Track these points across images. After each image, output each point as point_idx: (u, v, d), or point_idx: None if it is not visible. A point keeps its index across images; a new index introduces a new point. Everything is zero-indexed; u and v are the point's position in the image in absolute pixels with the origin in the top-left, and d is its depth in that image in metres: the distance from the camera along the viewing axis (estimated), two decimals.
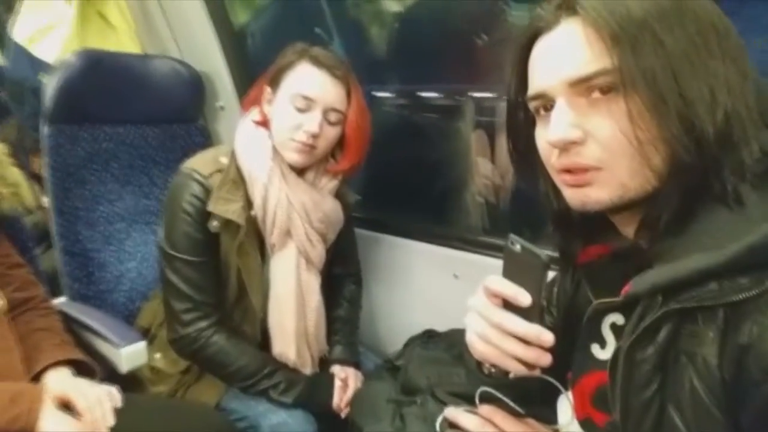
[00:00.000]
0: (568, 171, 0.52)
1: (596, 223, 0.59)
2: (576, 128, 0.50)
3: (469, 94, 1.46)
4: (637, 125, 0.47)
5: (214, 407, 1.05)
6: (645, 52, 0.46)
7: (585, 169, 0.50)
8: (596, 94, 0.49)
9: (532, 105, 0.56)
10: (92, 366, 0.96)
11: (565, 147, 0.50)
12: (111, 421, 0.86)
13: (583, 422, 0.59)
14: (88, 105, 1.29)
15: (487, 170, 1.46)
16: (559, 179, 0.55)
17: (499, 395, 0.69)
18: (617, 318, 0.55)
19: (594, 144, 0.49)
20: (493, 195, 1.44)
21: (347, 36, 1.66)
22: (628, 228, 0.55)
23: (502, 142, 1.44)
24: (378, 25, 1.63)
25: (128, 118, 1.38)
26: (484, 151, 1.46)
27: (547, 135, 0.52)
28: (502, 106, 1.42)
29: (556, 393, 0.70)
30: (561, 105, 0.51)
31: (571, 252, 0.63)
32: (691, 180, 0.47)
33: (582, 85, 0.49)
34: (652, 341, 0.46)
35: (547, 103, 0.53)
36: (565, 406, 0.67)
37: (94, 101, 1.30)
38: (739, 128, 0.46)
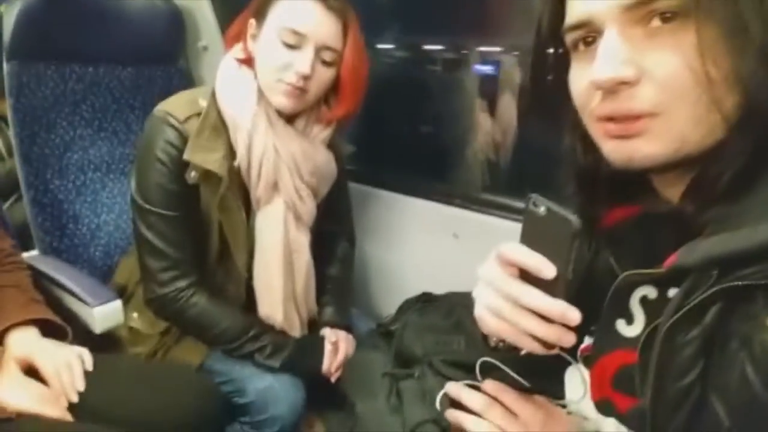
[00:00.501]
0: (611, 119, 0.44)
1: (629, 181, 0.51)
2: (629, 65, 0.41)
3: (474, 48, 1.38)
4: (709, 58, 0.39)
5: (196, 369, 1.00)
6: None
7: (637, 117, 0.42)
8: (656, 23, 0.41)
9: (570, 37, 0.47)
10: (63, 326, 0.89)
11: (613, 89, 0.42)
12: (80, 386, 0.80)
13: (600, 403, 0.54)
14: (55, 40, 1.18)
15: (488, 126, 1.39)
16: (598, 129, 0.46)
17: (503, 367, 0.64)
18: (649, 291, 0.48)
19: (650, 85, 0.41)
20: (493, 152, 1.38)
21: None
22: (672, 189, 0.47)
23: (506, 98, 1.38)
24: None
25: (100, 56, 1.27)
26: (486, 107, 1.39)
27: (588, 74, 0.44)
28: (507, 61, 1.37)
29: (565, 365, 0.65)
30: (611, 36, 0.42)
31: (595, 215, 0.55)
32: (766, 132, 0.39)
33: (640, 11, 0.41)
34: (697, 322, 0.39)
35: (591, 34, 0.45)
36: (576, 381, 0.63)
37: (62, 36, 1.18)
38: None
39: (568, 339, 0.48)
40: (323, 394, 1.02)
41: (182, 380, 0.94)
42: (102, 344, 0.98)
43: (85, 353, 0.85)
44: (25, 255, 1.13)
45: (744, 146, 0.40)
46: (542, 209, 0.47)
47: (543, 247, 0.48)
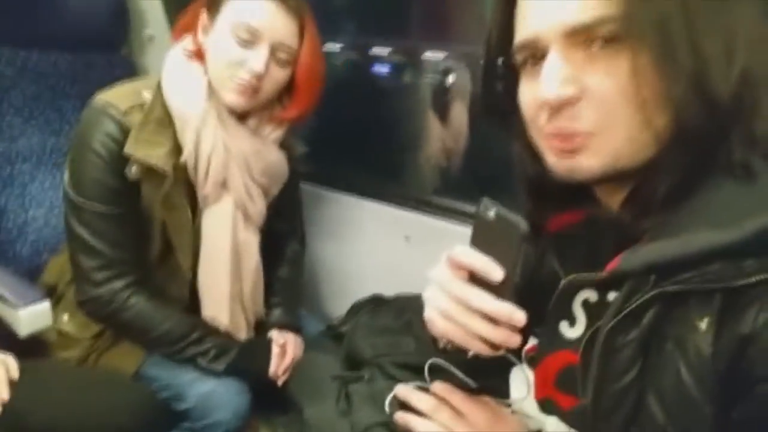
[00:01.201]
0: (556, 136, 0.46)
1: (573, 190, 0.53)
2: (571, 84, 0.43)
3: (428, 52, 1.40)
4: (641, 81, 0.41)
5: (131, 376, 0.95)
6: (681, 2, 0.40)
7: (580, 135, 0.44)
8: (596, 47, 0.43)
9: (518, 56, 0.49)
10: None
11: (557, 106, 0.44)
12: (5, 394, 0.74)
13: (543, 402, 0.56)
14: None
15: (440, 130, 1.41)
16: (545, 143, 0.49)
17: (451, 368, 0.65)
18: (590, 295, 0.50)
19: (590, 104, 0.43)
20: (444, 157, 1.41)
21: None
22: (612, 199, 0.50)
23: (457, 104, 1.41)
24: None
25: (34, 40, 1.18)
26: (439, 112, 1.41)
27: (535, 91, 0.46)
28: (459, 66, 1.40)
29: (510, 365, 0.68)
30: (554, 57, 0.44)
31: (541, 220, 0.58)
32: (696, 148, 0.41)
33: (581, 35, 0.43)
34: (636, 324, 0.41)
35: (538, 53, 0.46)
36: (520, 380, 0.65)
37: None
38: (754, 92, 0.40)
39: (514, 340, 0.49)
40: (268, 398, 0.99)
41: (116, 388, 0.90)
42: (28, 349, 0.91)
43: (10, 360, 0.79)
44: None
45: (675, 162, 0.42)
46: (492, 213, 0.48)
47: (492, 250, 0.49)
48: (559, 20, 0.43)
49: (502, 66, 0.52)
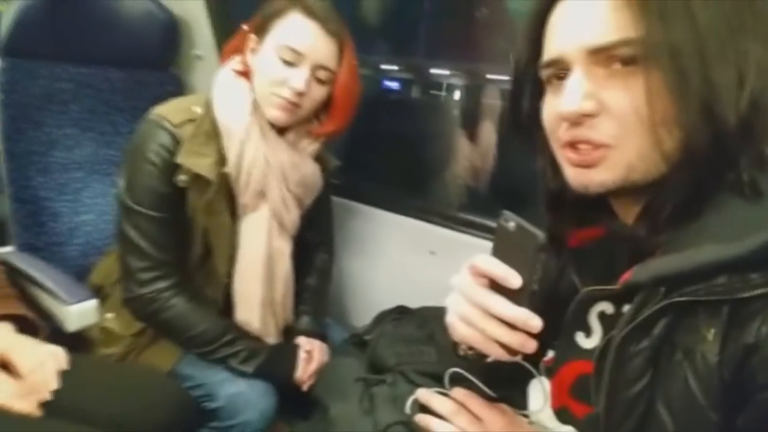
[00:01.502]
0: (574, 148, 0.49)
1: (592, 205, 0.55)
2: (591, 99, 0.46)
3: (460, 73, 1.44)
4: (654, 104, 0.43)
5: (167, 373, 0.99)
6: (674, 25, 0.43)
7: (595, 146, 0.47)
8: (616, 66, 0.46)
9: (544, 73, 0.52)
10: (37, 323, 0.88)
11: (577, 120, 0.47)
12: (54, 384, 0.80)
13: (559, 411, 0.57)
14: (49, 40, 1.19)
15: (468, 150, 1.44)
16: (563, 156, 0.51)
17: (471, 377, 0.67)
18: (606, 307, 0.52)
19: (608, 118, 0.46)
20: (472, 176, 1.43)
21: None
22: (627, 214, 0.52)
23: (487, 124, 1.44)
24: None
25: (92, 58, 1.27)
26: (469, 132, 1.45)
27: (558, 105, 0.49)
28: (490, 88, 1.43)
29: (529, 377, 0.69)
30: (577, 74, 0.47)
31: (562, 235, 0.60)
32: (704, 169, 0.44)
33: (602, 54, 0.46)
34: (647, 334, 0.43)
35: (562, 71, 0.50)
36: (538, 392, 0.66)
37: (56, 36, 1.19)
38: (764, 118, 0.42)
39: (530, 345, 0.50)
40: (294, 403, 1.02)
41: (154, 385, 0.93)
42: (73, 344, 0.95)
43: (60, 352, 0.85)
44: (0, 250, 1.12)
45: (682, 182, 0.44)
46: (512, 225, 0.50)
47: (511, 259, 0.51)
48: (582, 41, 0.47)
49: (529, 83, 0.55)
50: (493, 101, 1.43)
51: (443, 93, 1.54)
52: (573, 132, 0.48)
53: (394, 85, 1.59)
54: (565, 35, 0.49)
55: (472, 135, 1.44)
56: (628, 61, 0.45)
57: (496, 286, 0.52)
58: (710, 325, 0.41)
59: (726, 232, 0.41)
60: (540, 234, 0.49)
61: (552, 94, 0.52)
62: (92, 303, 0.98)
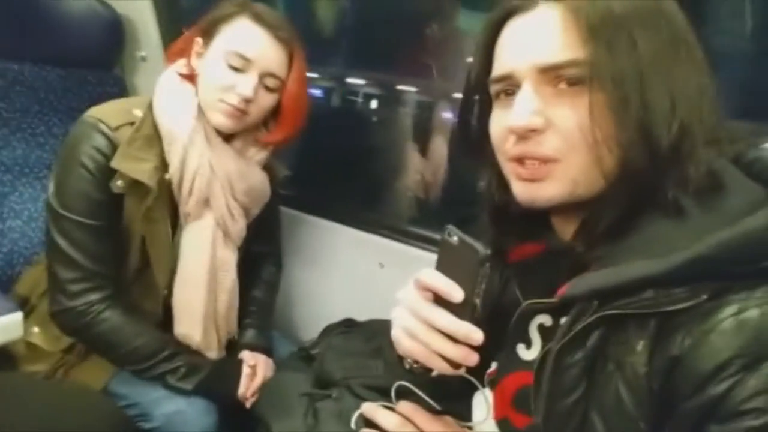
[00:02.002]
0: (521, 163, 0.51)
1: (533, 221, 0.58)
2: (539, 116, 0.48)
3: (410, 88, 1.47)
4: (596, 123, 0.46)
5: (99, 391, 0.94)
6: (618, 51, 0.45)
7: (542, 160, 0.49)
8: (563, 85, 0.48)
9: (494, 88, 0.54)
10: None
11: (524, 134, 0.49)
12: None
13: (501, 422, 0.58)
14: None
15: (418, 163, 1.46)
16: (510, 170, 0.53)
17: (417, 391, 0.67)
18: (545, 319, 0.54)
19: (554, 134, 0.48)
20: (422, 190, 1.45)
21: (293, 6, 1.59)
22: (566, 229, 0.54)
23: (437, 140, 1.47)
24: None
25: (27, 54, 1.20)
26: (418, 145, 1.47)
27: (506, 120, 0.51)
28: (440, 105, 1.46)
29: (473, 389, 0.69)
30: (527, 90, 0.49)
31: (504, 249, 0.62)
32: (639, 187, 0.46)
33: (551, 73, 0.48)
34: (582, 345, 0.45)
35: (511, 86, 0.52)
36: (481, 404, 0.67)
37: None
38: (690, 143, 0.45)
39: (472, 359, 0.51)
40: (235, 421, 0.99)
41: (87, 404, 0.87)
42: None
43: None
44: None
45: (618, 199, 0.47)
46: (455, 239, 0.51)
47: (454, 273, 0.52)
48: (532, 58, 0.49)
49: (478, 99, 0.58)
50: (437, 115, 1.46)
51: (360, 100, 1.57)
52: (521, 147, 0.50)
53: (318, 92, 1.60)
54: (517, 52, 0.51)
55: (420, 147, 1.46)
56: (574, 82, 0.47)
57: (439, 300, 0.52)
58: (639, 338, 0.43)
59: (653, 249, 0.43)
60: (482, 249, 0.50)
61: (500, 108, 0.54)
62: (17, 316, 0.90)
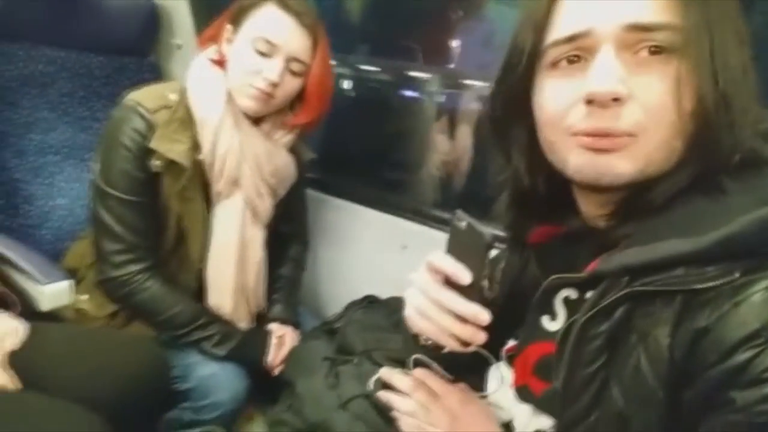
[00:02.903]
0: (590, 135, 0.46)
1: (558, 203, 0.57)
2: (623, 83, 0.44)
3: (437, 73, 1.47)
4: (684, 93, 0.43)
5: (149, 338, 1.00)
6: (713, 21, 0.43)
7: (616, 137, 0.45)
8: (644, 53, 0.44)
9: (555, 52, 0.48)
10: (10, 298, 0.89)
11: (606, 104, 0.44)
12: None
13: (519, 389, 0.60)
14: (28, 21, 1.19)
15: (445, 148, 1.48)
16: (573, 142, 0.48)
17: (431, 363, 0.70)
18: (571, 293, 0.54)
19: (635, 107, 0.44)
20: (447, 173, 1.47)
21: None
22: (598, 209, 0.53)
23: (464, 126, 1.47)
24: None
25: (72, 42, 1.28)
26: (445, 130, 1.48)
27: (573, 89, 0.47)
28: (469, 89, 1.45)
29: (487, 364, 0.72)
30: (610, 54, 0.45)
31: (524, 231, 0.61)
32: (707, 164, 0.44)
33: (637, 36, 0.44)
34: (607, 318, 0.46)
35: (581, 51, 0.47)
36: (495, 377, 0.69)
37: (35, 18, 1.20)
38: (743, 119, 0.44)
39: (480, 338, 0.54)
40: (264, 388, 1.05)
41: (133, 343, 0.93)
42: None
43: (21, 329, 0.84)
44: None
45: (681, 178, 0.45)
46: (464, 224, 0.53)
47: (463, 256, 0.53)
48: (620, 16, 0.44)
49: (524, 67, 0.51)
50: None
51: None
52: (593, 121, 0.46)
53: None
54: (599, 8, 0.45)
55: (444, 133, 1.47)
56: (657, 50, 0.44)
57: (450, 282, 0.55)
58: (665, 312, 0.43)
59: (687, 227, 0.43)
60: (488, 233, 0.51)
61: (561, 78, 0.49)
62: (66, 283, 0.98)
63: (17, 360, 0.81)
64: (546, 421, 0.59)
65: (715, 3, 0.44)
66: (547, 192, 0.56)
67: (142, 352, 0.91)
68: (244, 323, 1.08)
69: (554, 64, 0.49)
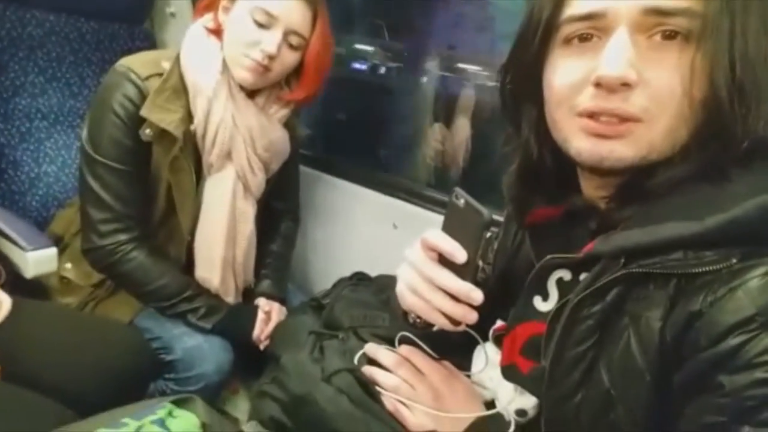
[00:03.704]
0: (593, 117, 0.46)
1: (563, 183, 0.57)
2: (633, 68, 0.43)
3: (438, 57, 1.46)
4: (696, 82, 0.43)
5: (126, 324, 1.01)
6: (739, 8, 0.42)
7: (621, 120, 0.45)
8: (658, 37, 0.44)
9: (568, 29, 0.48)
10: None
11: (614, 88, 0.44)
12: None
13: (506, 368, 0.59)
14: None
15: (443, 135, 1.47)
16: (577, 125, 0.48)
17: (418, 341, 0.71)
18: (565, 274, 0.53)
19: (644, 92, 0.44)
20: (441, 159, 1.47)
21: None
22: (599, 190, 0.52)
23: (462, 109, 1.47)
24: None
25: (63, 5, 1.24)
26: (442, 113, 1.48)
27: (582, 68, 0.46)
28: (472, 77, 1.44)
29: (474, 344, 0.73)
30: (622, 36, 0.44)
31: (526, 206, 0.60)
32: (712, 151, 0.44)
33: (654, 19, 0.43)
34: (601, 299, 0.46)
35: (595, 30, 0.46)
36: (481, 357, 0.70)
37: None
38: (755, 112, 0.43)
39: (471, 317, 0.54)
40: (249, 362, 1.05)
41: (113, 334, 0.94)
42: (31, 292, 0.96)
43: (5, 303, 0.82)
44: None
45: (693, 162, 0.44)
46: (462, 201, 0.52)
47: (459, 234, 0.53)
48: None
49: (538, 42, 0.50)
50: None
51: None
52: (600, 102, 0.45)
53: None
54: None
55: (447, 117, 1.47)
56: (671, 35, 0.43)
57: (443, 260, 0.54)
58: (659, 295, 0.43)
59: (689, 211, 0.43)
60: (486, 212, 0.51)
61: (571, 56, 0.48)
62: (51, 251, 0.97)
63: None
64: (529, 401, 0.60)
65: (756, 4, 0.43)
66: (554, 165, 0.55)
67: (123, 344, 0.91)
68: (231, 297, 1.08)
69: (567, 41, 0.48)
